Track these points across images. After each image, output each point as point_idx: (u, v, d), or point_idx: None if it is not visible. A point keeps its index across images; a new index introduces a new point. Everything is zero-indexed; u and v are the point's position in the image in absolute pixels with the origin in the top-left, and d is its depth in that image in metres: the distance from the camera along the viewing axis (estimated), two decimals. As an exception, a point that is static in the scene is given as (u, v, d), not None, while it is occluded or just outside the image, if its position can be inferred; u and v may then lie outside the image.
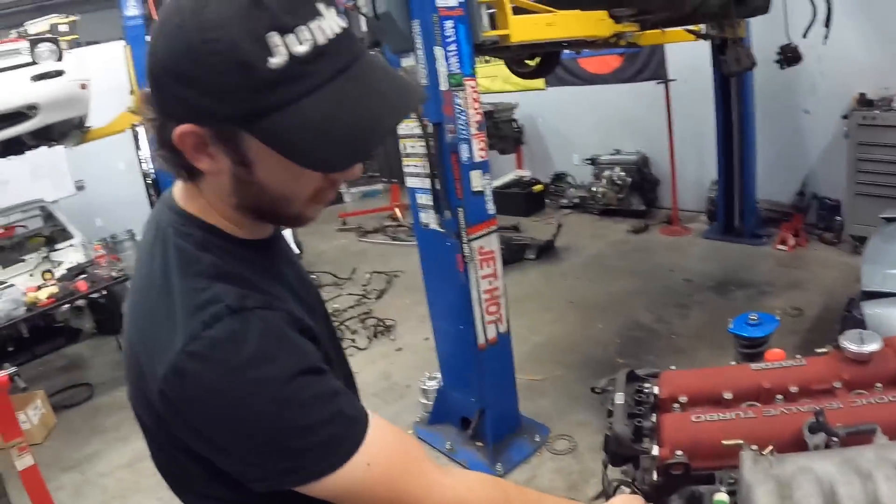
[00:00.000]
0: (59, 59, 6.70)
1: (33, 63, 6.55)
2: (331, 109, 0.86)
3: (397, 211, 9.72)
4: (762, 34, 6.15)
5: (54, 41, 6.90)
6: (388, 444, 1.01)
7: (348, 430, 0.96)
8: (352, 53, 0.91)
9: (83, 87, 6.87)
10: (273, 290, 1.04)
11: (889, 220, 4.23)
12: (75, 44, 9.36)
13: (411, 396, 4.70)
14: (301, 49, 0.84)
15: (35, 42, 6.78)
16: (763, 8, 4.83)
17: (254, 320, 0.92)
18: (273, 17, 0.82)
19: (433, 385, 4.35)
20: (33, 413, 5.13)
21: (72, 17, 11.33)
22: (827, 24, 4.12)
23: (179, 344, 0.90)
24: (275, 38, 0.82)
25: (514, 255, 7.19)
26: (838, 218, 6.67)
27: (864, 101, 6.22)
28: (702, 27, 5.77)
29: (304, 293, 1.18)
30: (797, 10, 4.36)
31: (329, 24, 0.87)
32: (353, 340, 5.85)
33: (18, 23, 12.96)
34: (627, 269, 6.77)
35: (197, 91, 0.85)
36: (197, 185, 1.02)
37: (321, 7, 0.87)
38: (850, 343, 1.33)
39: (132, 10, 7.21)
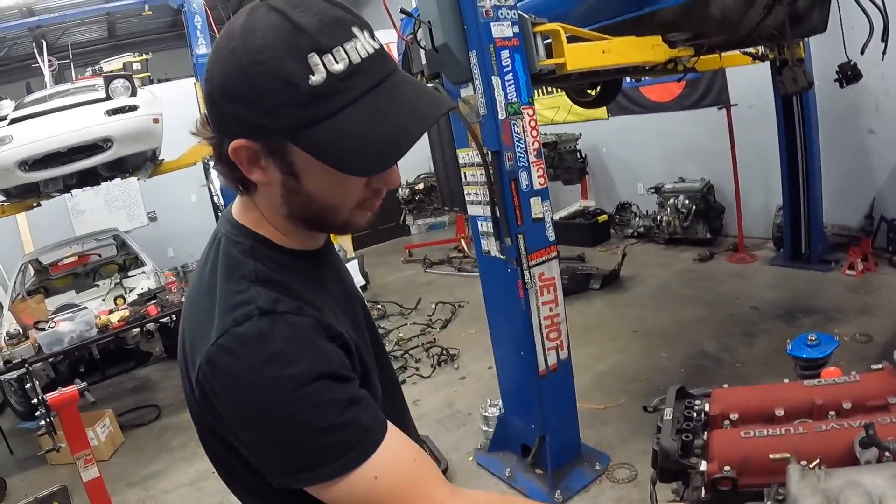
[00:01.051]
0: (133, 94, 6.97)
1: (108, 98, 6.83)
2: (365, 120, 0.95)
3: (463, 242, 9.82)
4: (823, 54, 6.05)
5: (128, 78, 7.16)
6: (400, 460, 1.05)
7: (360, 439, 1.00)
8: (384, 70, 1.00)
9: (156, 121, 7.12)
10: (313, 298, 1.09)
11: None
12: (148, 80, 9.78)
13: (473, 424, 4.71)
14: (338, 67, 0.93)
15: (110, 79, 7.06)
16: (820, 27, 4.75)
17: (281, 323, 0.99)
18: (313, 41, 0.92)
19: (494, 412, 4.34)
20: (101, 430, 5.31)
21: (144, 56, 11.87)
22: (884, 38, 4.03)
23: (213, 337, 0.99)
24: (315, 59, 0.92)
25: (579, 285, 7.20)
26: (909, 240, 6.44)
27: (932, 117, 6.05)
28: (759, 49, 5.72)
29: (347, 304, 1.24)
30: (856, 26, 4.28)
31: (363, 44, 0.96)
32: (416, 369, 5.92)
33: (94, 61, 13.63)
34: (693, 298, 6.68)
35: (249, 108, 0.95)
36: (252, 198, 1.12)
37: (356, 30, 0.96)
38: None
39: (202, 48, 7.54)
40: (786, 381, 1.59)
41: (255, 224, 1.13)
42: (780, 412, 1.31)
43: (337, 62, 0.93)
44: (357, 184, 1.06)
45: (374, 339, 1.33)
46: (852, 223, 7.14)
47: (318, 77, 0.92)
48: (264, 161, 1.01)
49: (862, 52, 4.35)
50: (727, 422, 1.33)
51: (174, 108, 7.73)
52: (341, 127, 0.94)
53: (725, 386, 1.50)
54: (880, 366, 1.39)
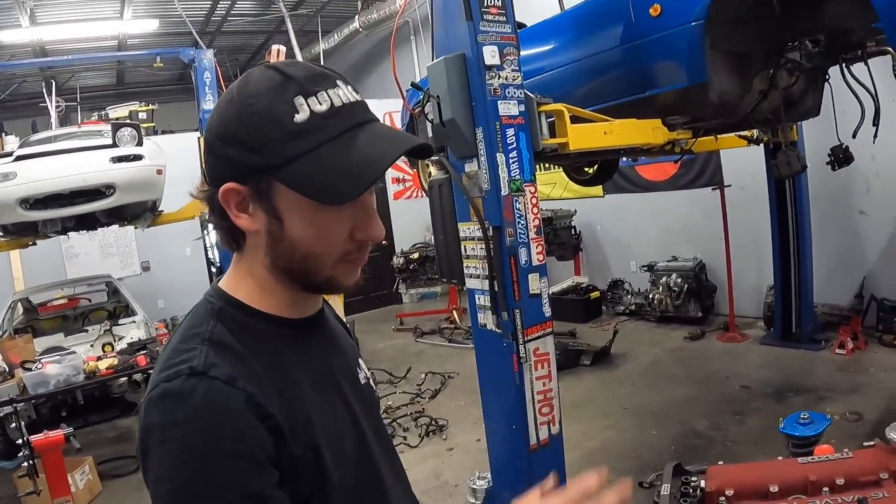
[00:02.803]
0: (139, 143, 7.03)
1: (114, 145, 6.89)
2: (343, 152, 1.02)
3: (454, 313, 9.81)
4: (815, 137, 6.20)
5: (135, 127, 7.23)
6: None
7: None
8: (364, 116, 1.07)
9: (159, 172, 7.18)
10: (269, 369, 1.05)
11: None
12: (152, 131, 9.90)
13: (460, 496, 4.64)
14: (321, 108, 1.02)
15: (117, 126, 7.13)
16: (814, 111, 4.88)
17: (205, 387, 0.97)
18: (300, 86, 1.02)
19: (482, 485, 4.28)
20: (80, 478, 5.21)
21: (150, 106, 12.02)
22: (875, 122, 4.15)
23: (149, 389, 1.01)
24: (300, 100, 1.01)
25: (569, 360, 7.18)
26: (898, 319, 6.50)
27: (920, 199, 6.18)
28: (754, 132, 5.86)
29: (328, 381, 1.18)
30: (849, 111, 4.40)
31: (345, 93, 1.05)
32: (404, 438, 5.83)
33: (101, 106, 13.81)
34: (684, 376, 6.68)
35: (239, 148, 1.02)
36: (240, 257, 1.15)
37: (339, 83, 1.06)
38: None
39: (209, 103, 7.67)
40: (779, 458, 1.61)
41: (235, 287, 1.14)
42: (774, 488, 1.33)
43: (320, 104, 1.02)
44: (338, 230, 1.08)
45: (373, 424, 1.27)
46: (843, 302, 7.23)
47: (302, 115, 1.00)
48: (252, 206, 1.06)
49: (854, 136, 4.47)
50: (723, 498, 1.35)
51: (176, 160, 7.82)
52: (320, 160, 1.00)
53: (721, 463, 1.52)
54: (872, 443, 1.41)
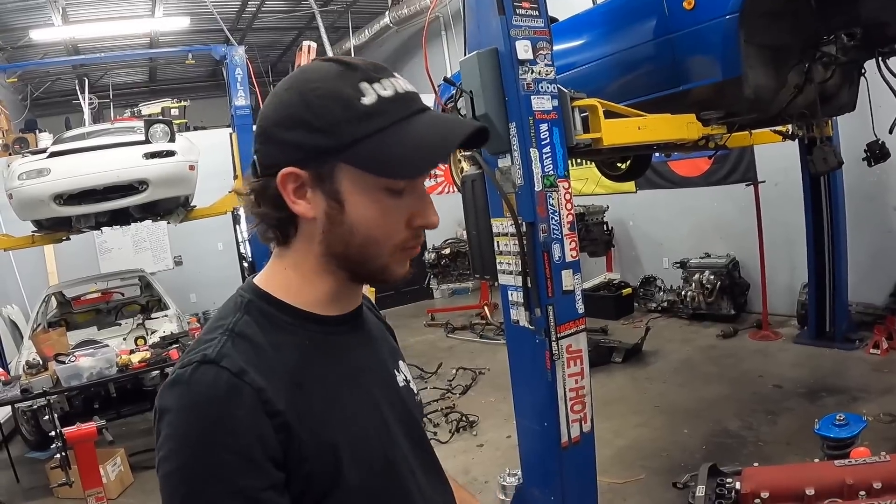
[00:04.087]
0: (172, 140, 7.11)
1: (147, 142, 6.98)
2: (409, 132, 1.03)
3: (486, 309, 9.82)
4: (851, 132, 6.11)
5: (168, 123, 7.31)
6: None
7: None
8: (423, 104, 1.10)
9: (191, 168, 7.25)
10: (293, 365, 1.05)
11: None
12: (184, 127, 10.01)
13: (489, 493, 4.63)
14: (386, 92, 1.04)
15: (150, 122, 7.23)
16: (849, 106, 4.83)
17: (212, 377, 0.98)
18: (363, 73, 1.04)
19: (513, 482, 4.27)
20: (112, 469, 5.28)
21: (183, 102, 12.17)
22: (911, 117, 4.09)
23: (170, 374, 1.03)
24: (365, 85, 1.03)
25: (601, 357, 7.14)
26: (934, 319, 6.40)
27: (957, 196, 6.07)
28: (789, 128, 5.78)
29: (361, 381, 1.17)
30: (885, 105, 4.33)
31: (403, 83, 1.08)
32: (434, 433, 5.84)
33: (133, 103, 14.00)
34: (716, 375, 6.62)
35: (306, 130, 1.03)
36: (283, 252, 1.14)
37: (396, 74, 1.09)
38: None
39: (241, 100, 7.72)
40: (815, 460, 1.58)
41: (269, 281, 1.14)
42: (810, 491, 1.32)
43: (385, 89, 1.04)
44: (398, 216, 1.09)
45: (409, 428, 1.24)
46: (877, 302, 7.14)
47: (369, 98, 1.02)
48: (310, 192, 1.06)
49: (890, 132, 4.41)
50: (758, 500, 1.34)
51: (208, 156, 7.90)
52: (389, 140, 1.02)
53: (756, 465, 1.50)
54: None
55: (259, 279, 1.16)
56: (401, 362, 1.34)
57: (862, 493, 1.29)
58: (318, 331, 1.13)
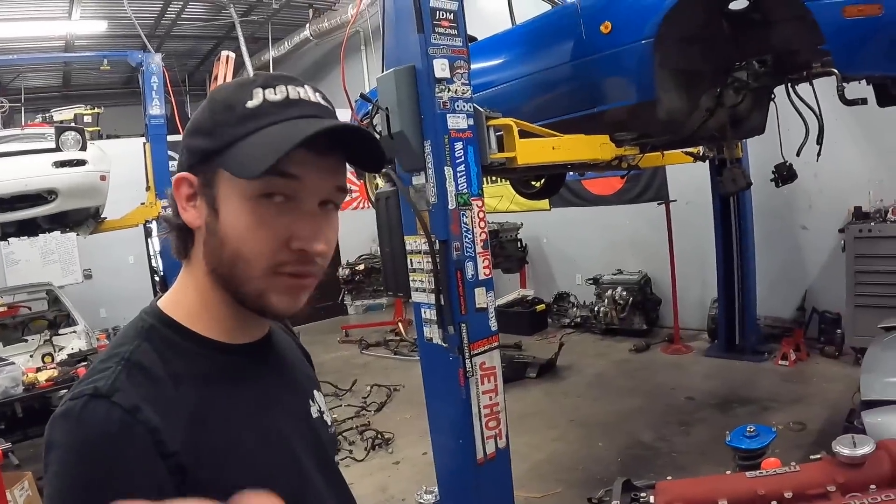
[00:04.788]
0: (83, 148, 6.87)
1: (58, 150, 6.72)
2: (271, 132, 0.98)
3: (400, 326, 9.81)
4: (760, 154, 6.38)
5: (80, 131, 7.07)
6: None
7: None
8: (323, 114, 1.05)
9: (102, 178, 7.04)
10: (191, 399, 0.98)
11: (888, 329, 4.25)
12: (97, 135, 9.68)
13: (407, 511, 4.61)
14: (275, 97, 1.01)
15: (62, 130, 6.95)
16: (759, 129, 4.97)
17: (103, 414, 0.91)
18: (262, 80, 1.03)
19: (429, 499, 4.28)
20: (20, 493, 5.02)
21: (96, 109, 11.76)
22: (819, 141, 4.26)
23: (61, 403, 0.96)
24: (257, 90, 1.01)
25: (515, 373, 7.20)
26: (839, 331, 6.73)
27: (859, 215, 6.41)
28: (700, 149, 5.96)
29: (268, 413, 1.10)
30: (793, 129, 4.52)
31: (307, 92, 1.04)
32: (350, 452, 5.77)
33: (45, 108, 13.43)
34: (629, 388, 6.75)
35: (200, 134, 1.03)
36: (187, 266, 1.09)
37: (306, 85, 1.05)
38: (843, 447, 1.36)
39: (156, 109, 7.54)
40: (727, 472, 1.62)
41: (174, 304, 1.07)
42: (723, 503, 1.34)
43: (276, 94, 1.01)
44: (270, 232, 0.99)
45: (321, 461, 1.18)
46: (785, 315, 7.45)
47: (254, 101, 1.00)
48: (198, 199, 1.03)
49: (798, 154, 4.59)
50: None
51: (120, 166, 7.67)
52: (254, 140, 0.98)
53: (669, 478, 1.52)
54: (819, 456, 1.43)
55: (163, 301, 1.09)
56: (316, 392, 1.27)
57: (774, 502, 1.33)
58: (223, 361, 1.06)
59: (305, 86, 1.05)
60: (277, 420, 1.11)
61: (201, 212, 1.03)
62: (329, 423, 1.27)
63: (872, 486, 1.33)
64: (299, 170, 0.99)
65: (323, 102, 1.05)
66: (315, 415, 1.22)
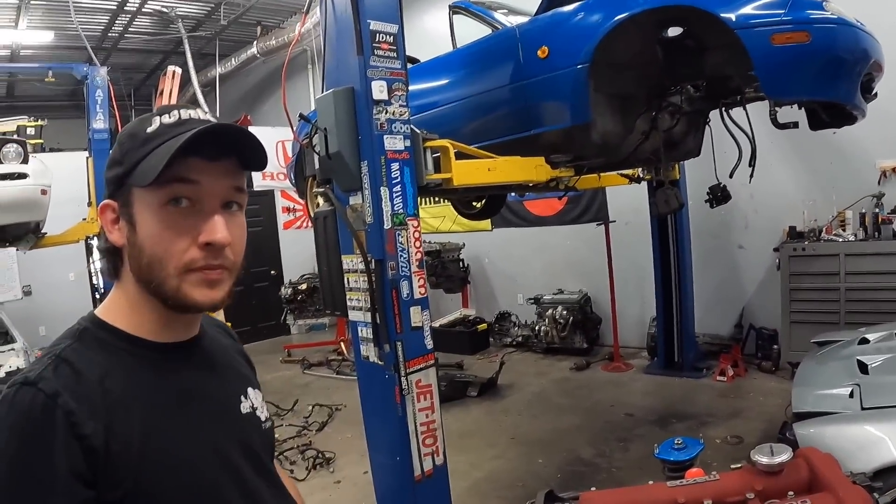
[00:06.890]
0: (24, 161, 6.70)
1: (-2, 162, 6.49)
2: (165, 145, 1.11)
3: (342, 345, 9.73)
4: (698, 175, 6.53)
5: (22, 143, 6.89)
6: None
7: None
8: (217, 128, 1.15)
9: (44, 192, 6.88)
10: (113, 391, 1.08)
11: (820, 344, 4.39)
12: (40, 148, 9.45)
13: (347, 530, 4.59)
14: (169, 120, 1.16)
15: (3, 142, 6.78)
16: (695, 151, 5.11)
17: (29, 398, 1.04)
18: (160, 110, 1.18)
19: (369, 518, 4.26)
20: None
21: (40, 122, 11.47)
22: (751, 163, 4.40)
23: None
24: (155, 118, 1.17)
25: (456, 392, 7.22)
26: (776, 346, 6.90)
27: (794, 234, 6.61)
28: (636, 171, 6.10)
29: (193, 408, 1.20)
30: (729, 151, 4.65)
31: (197, 112, 1.19)
32: (291, 472, 5.70)
33: (-14, 119, 12.95)
34: (569, 406, 6.81)
35: (115, 165, 1.16)
36: (118, 283, 1.22)
37: (200, 111, 1.20)
38: (762, 456, 1.42)
39: (100, 122, 7.39)
40: (650, 482, 1.68)
41: (107, 310, 1.21)
42: None
43: (171, 118, 1.16)
44: (178, 234, 1.13)
45: (249, 457, 1.27)
46: (723, 332, 7.63)
47: (152, 127, 1.15)
48: (121, 222, 1.16)
49: (731, 176, 4.73)
50: None
51: (63, 180, 7.51)
52: (154, 154, 1.11)
53: (593, 489, 1.56)
54: (739, 465, 1.49)
55: (99, 308, 1.23)
56: (251, 390, 1.38)
57: (693, 510, 1.39)
58: (150, 357, 1.18)
59: (198, 109, 1.20)
60: (199, 414, 1.21)
61: (123, 231, 1.16)
62: (263, 420, 1.38)
63: (791, 493, 1.39)
64: (196, 175, 1.13)
65: (213, 120, 1.19)
66: (245, 410, 1.33)
